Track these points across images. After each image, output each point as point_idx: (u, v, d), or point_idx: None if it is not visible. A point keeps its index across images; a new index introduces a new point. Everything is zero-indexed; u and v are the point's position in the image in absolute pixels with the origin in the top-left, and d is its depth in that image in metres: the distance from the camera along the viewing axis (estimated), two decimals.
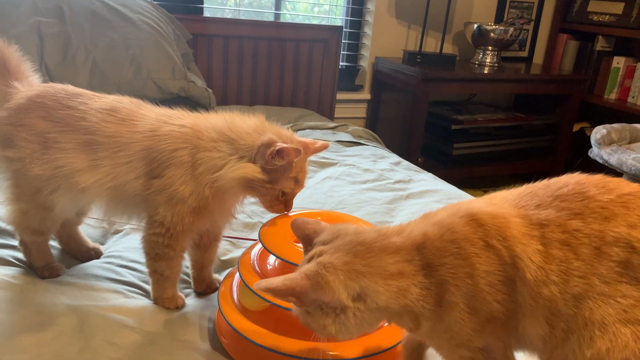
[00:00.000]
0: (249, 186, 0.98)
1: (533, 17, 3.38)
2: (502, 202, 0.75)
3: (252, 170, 0.97)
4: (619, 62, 3.17)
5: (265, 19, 2.89)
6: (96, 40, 2.02)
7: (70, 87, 1.11)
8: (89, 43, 2.01)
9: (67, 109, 1.05)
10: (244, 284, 0.96)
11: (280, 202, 1.02)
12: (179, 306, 1.10)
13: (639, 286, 0.63)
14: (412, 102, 2.79)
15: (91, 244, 1.28)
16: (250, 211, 1.48)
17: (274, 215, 1.06)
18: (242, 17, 2.84)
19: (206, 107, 2.19)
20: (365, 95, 3.10)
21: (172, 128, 1.03)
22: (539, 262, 0.67)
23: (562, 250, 0.66)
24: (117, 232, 1.38)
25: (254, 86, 2.73)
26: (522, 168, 3.14)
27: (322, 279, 0.68)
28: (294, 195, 1.04)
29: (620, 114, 3.13)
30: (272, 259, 1.03)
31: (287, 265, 0.95)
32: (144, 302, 1.09)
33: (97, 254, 1.27)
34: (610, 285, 0.64)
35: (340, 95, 2.97)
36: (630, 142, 2.13)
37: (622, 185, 0.70)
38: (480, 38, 3.01)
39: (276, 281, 0.69)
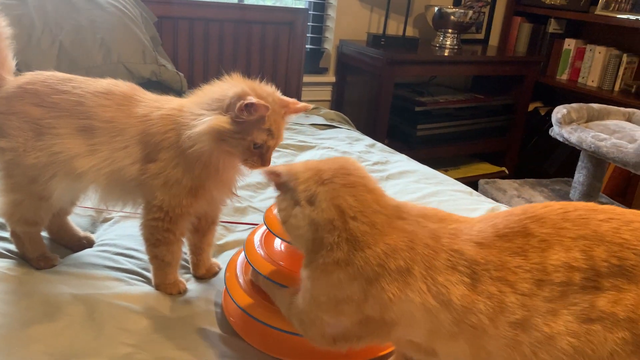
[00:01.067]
0: (221, 139, 0.97)
1: (489, 1, 3.48)
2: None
3: (219, 120, 0.95)
4: (569, 44, 3.32)
5: (230, 1, 2.85)
6: (61, 23, 1.95)
7: (59, 73, 1.09)
8: (54, 26, 1.94)
9: (61, 93, 1.04)
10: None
11: (255, 154, 1.00)
12: (181, 291, 1.11)
13: (586, 292, 0.67)
14: (378, 85, 2.83)
15: (82, 232, 1.27)
16: (240, 195, 1.49)
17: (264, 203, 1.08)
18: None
19: (178, 92, 2.16)
20: (330, 78, 3.13)
21: (163, 112, 1.04)
22: (462, 292, 0.71)
23: (495, 285, 0.70)
24: (106, 220, 1.37)
25: (220, 69, 2.69)
26: (481, 147, 3.25)
27: (294, 168, 0.82)
28: (269, 148, 1.01)
29: (571, 93, 3.28)
30: (277, 242, 1.06)
31: (293, 248, 0.98)
32: (146, 288, 1.10)
33: (89, 243, 1.26)
34: (556, 302, 0.68)
35: (305, 78, 2.98)
36: (587, 121, 2.26)
37: (555, 213, 0.73)
38: (441, 21, 3.08)
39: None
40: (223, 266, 1.21)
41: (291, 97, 2.93)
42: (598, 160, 2.28)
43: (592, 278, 0.68)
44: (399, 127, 3.04)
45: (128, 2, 2.17)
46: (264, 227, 1.08)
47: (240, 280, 1.04)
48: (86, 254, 1.20)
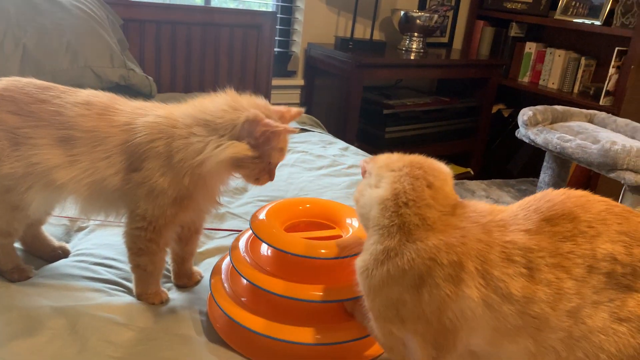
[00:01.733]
0: (238, 165, 0.98)
1: (452, 4, 3.55)
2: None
3: (241, 148, 0.95)
4: (530, 48, 3.41)
5: (197, 4, 2.82)
6: (25, 26, 1.89)
7: (37, 81, 1.06)
8: (17, 29, 1.88)
9: (39, 102, 1.01)
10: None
11: (266, 172, 1.02)
12: (164, 301, 1.09)
13: (620, 291, 0.70)
14: (346, 88, 2.85)
15: (57, 243, 1.23)
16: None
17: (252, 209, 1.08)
18: (173, 2, 2.75)
19: (147, 96, 2.12)
20: (299, 81, 3.13)
21: (147, 119, 1.02)
22: (522, 284, 0.72)
23: (552, 272, 0.72)
24: (81, 229, 1.33)
25: (188, 73, 2.67)
26: (448, 149, 3.31)
27: (377, 158, 0.89)
28: (276, 165, 1.04)
29: (532, 95, 3.37)
30: (264, 247, 1.05)
31: (280, 254, 0.98)
32: (128, 299, 1.07)
33: (64, 253, 1.22)
34: (600, 293, 0.70)
35: (274, 82, 2.97)
36: (552, 123, 2.32)
37: (596, 202, 0.75)
38: (407, 25, 3.12)
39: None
40: (205, 274, 1.19)
41: None
42: (563, 160, 2.35)
43: (628, 276, 0.69)
44: (367, 129, 3.07)
45: (94, 5, 2.12)
46: (249, 233, 1.07)
47: (226, 286, 1.03)
48: (62, 264, 1.16)
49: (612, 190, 3.05)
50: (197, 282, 1.18)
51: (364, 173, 0.90)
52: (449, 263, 0.73)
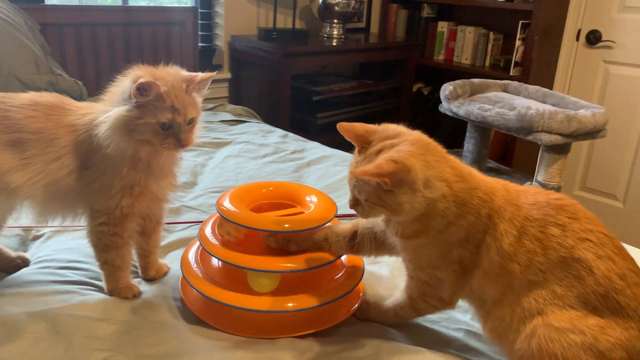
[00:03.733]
0: (129, 129, 0.97)
1: None
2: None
3: (119, 110, 0.97)
4: (442, 27, 3.60)
5: (113, 5, 2.77)
6: None
7: None
8: None
9: None
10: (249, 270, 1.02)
11: (168, 135, 0.99)
12: (136, 294, 1.12)
13: (582, 305, 0.84)
14: (275, 78, 2.90)
15: (14, 253, 1.22)
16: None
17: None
18: (90, 4, 2.69)
19: (78, 100, 2.08)
20: (226, 74, 3.14)
21: (90, 118, 1.04)
22: (510, 242, 0.88)
23: (532, 243, 0.87)
24: (36, 237, 1.32)
25: (114, 75, 2.61)
26: None
27: (407, 162, 0.84)
28: (180, 126, 1.00)
29: (448, 72, 3.57)
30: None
31: (250, 231, 1.04)
32: (101, 296, 1.09)
33: (25, 262, 1.21)
34: (562, 287, 0.84)
35: None
36: (471, 95, 2.49)
37: (597, 223, 0.90)
38: (326, 12, 3.20)
39: (370, 167, 0.85)
40: (171, 265, 1.22)
41: None
42: (484, 129, 2.53)
43: (599, 296, 0.84)
44: (299, 117, 3.13)
45: (9, 11, 2.04)
46: (214, 218, 1.12)
47: (196, 269, 1.07)
48: (25, 273, 1.15)
49: (527, 151, 3.31)
50: (165, 273, 1.21)
51: (393, 184, 0.85)
52: (486, 215, 0.89)
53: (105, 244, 1.07)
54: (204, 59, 3.06)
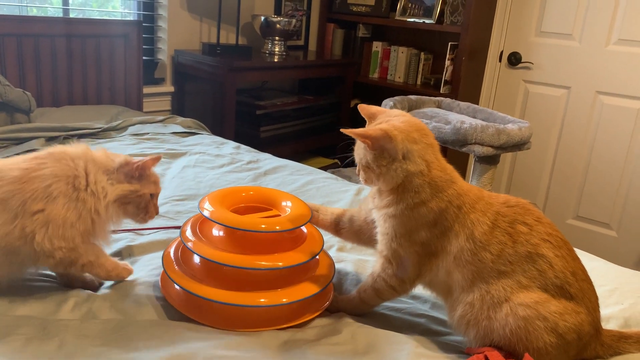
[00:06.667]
0: (126, 202, 1.13)
1: (305, 9, 3.81)
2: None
3: (122, 186, 1.12)
4: (377, 47, 3.80)
5: (57, 16, 2.73)
6: None
7: None
8: None
9: None
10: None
11: (153, 204, 1.17)
12: (130, 270, 1.19)
13: (544, 290, 0.96)
14: (220, 92, 2.96)
15: None
16: None
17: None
18: (30, 14, 2.64)
19: (26, 112, 2.06)
20: (169, 87, 3.16)
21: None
22: (484, 231, 1.00)
23: (504, 235, 0.99)
24: None
25: (56, 87, 2.59)
26: (316, 143, 3.57)
27: (391, 132, 0.99)
28: (156, 197, 1.19)
29: (383, 89, 3.76)
30: (214, 229, 1.17)
31: (231, 231, 1.11)
32: (85, 294, 1.11)
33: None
34: (526, 279, 0.96)
35: (144, 90, 2.98)
36: (409, 110, 2.67)
37: (555, 229, 1.03)
38: (268, 29, 3.31)
39: (359, 129, 1.01)
40: (142, 266, 1.26)
41: (133, 108, 2.94)
42: None
43: (556, 287, 0.96)
44: (243, 130, 3.20)
45: None
46: (194, 219, 1.19)
47: (177, 268, 1.12)
48: None
49: (458, 162, 3.54)
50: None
51: (373, 147, 1.01)
52: (457, 205, 1.01)
53: (70, 263, 1.09)
54: (146, 72, 3.07)
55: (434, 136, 1.06)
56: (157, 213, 1.19)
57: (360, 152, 1.06)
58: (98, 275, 1.15)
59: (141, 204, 1.14)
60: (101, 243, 1.15)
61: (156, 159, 1.15)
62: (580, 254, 1.47)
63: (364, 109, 1.13)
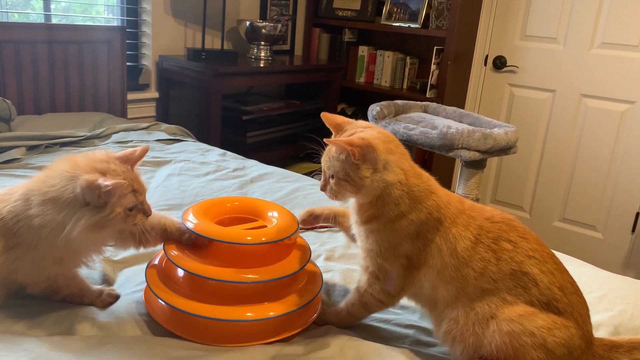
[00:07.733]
0: (102, 226, 0.97)
1: (291, 13, 3.80)
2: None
3: (89, 215, 0.95)
4: (363, 51, 3.79)
5: (39, 22, 2.69)
6: None
7: None
8: None
9: None
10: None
11: (134, 216, 1.02)
12: (114, 295, 1.17)
13: (528, 305, 0.95)
14: (205, 97, 2.93)
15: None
16: None
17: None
18: (11, 20, 2.60)
19: (7, 120, 2.02)
20: (153, 93, 3.13)
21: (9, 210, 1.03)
22: (466, 247, 0.98)
23: (487, 252, 0.98)
24: None
25: (38, 93, 2.55)
26: (303, 148, 3.55)
27: (372, 141, 0.98)
28: (143, 202, 1.04)
29: (369, 93, 3.76)
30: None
31: (217, 243, 1.09)
32: (65, 310, 1.09)
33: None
34: (511, 296, 0.95)
35: (128, 96, 2.95)
36: (395, 115, 2.66)
37: (541, 244, 1.02)
38: (254, 34, 3.29)
39: (343, 138, 0.99)
40: (126, 281, 1.23)
41: (117, 115, 2.90)
42: (408, 146, 2.69)
43: (542, 303, 0.95)
44: (229, 136, 3.18)
45: None
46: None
47: (161, 282, 1.10)
48: None
49: (444, 167, 3.54)
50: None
51: (358, 156, 0.97)
52: (436, 219, 0.99)
53: (53, 292, 1.11)
54: (130, 78, 3.04)
55: (403, 146, 1.05)
56: (149, 214, 1.05)
57: (334, 163, 1.00)
58: (83, 303, 1.13)
59: (120, 222, 0.99)
60: (88, 263, 1.12)
61: (124, 186, 0.97)
62: (569, 259, 1.48)
63: (328, 118, 1.09)
